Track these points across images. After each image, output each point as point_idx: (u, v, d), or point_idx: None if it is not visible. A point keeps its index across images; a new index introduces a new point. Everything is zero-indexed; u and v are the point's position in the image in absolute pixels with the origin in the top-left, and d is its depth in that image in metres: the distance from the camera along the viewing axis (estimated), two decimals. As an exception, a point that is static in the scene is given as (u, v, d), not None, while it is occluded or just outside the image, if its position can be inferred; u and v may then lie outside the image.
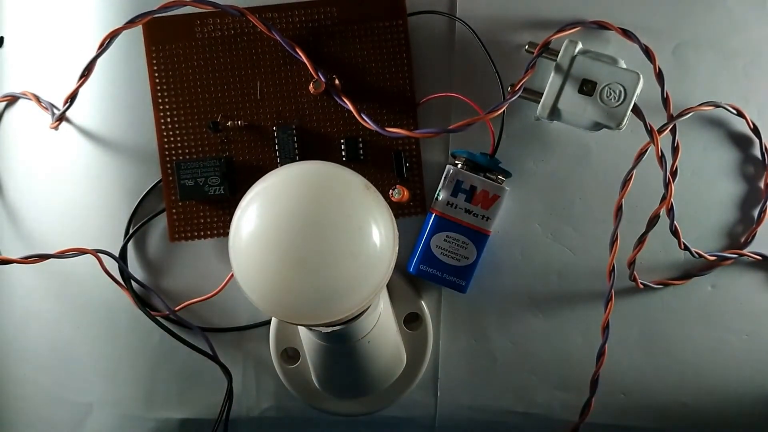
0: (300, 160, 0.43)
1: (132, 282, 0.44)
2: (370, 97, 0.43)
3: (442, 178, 0.41)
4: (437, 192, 0.41)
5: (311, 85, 0.42)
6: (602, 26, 0.41)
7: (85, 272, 0.44)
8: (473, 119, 0.38)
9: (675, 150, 0.40)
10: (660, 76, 0.39)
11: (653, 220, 0.40)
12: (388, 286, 0.40)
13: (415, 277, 0.42)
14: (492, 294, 0.44)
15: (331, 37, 0.43)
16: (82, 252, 0.42)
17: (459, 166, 0.41)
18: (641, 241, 0.40)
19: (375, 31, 0.43)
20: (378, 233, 0.30)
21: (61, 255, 0.41)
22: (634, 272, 0.42)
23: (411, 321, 0.44)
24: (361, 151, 0.43)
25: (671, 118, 0.40)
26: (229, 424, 0.45)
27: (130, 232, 0.44)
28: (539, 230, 0.43)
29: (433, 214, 0.41)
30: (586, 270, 0.43)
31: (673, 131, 0.40)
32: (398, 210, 0.43)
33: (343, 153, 0.43)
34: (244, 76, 0.43)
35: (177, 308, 0.44)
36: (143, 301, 0.44)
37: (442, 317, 0.44)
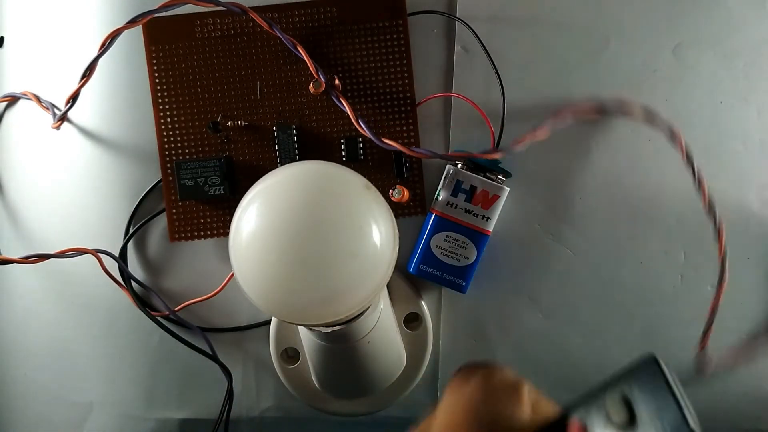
0: (300, 159, 0.43)
1: (132, 282, 0.44)
2: (369, 97, 0.43)
3: (442, 177, 0.41)
4: (437, 192, 0.41)
5: (311, 85, 0.42)
6: (624, 112, 0.39)
7: (85, 272, 0.44)
8: (471, 154, 0.39)
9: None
10: (689, 160, 0.39)
11: (714, 311, 0.40)
12: (388, 286, 0.40)
13: (415, 277, 0.42)
14: (492, 294, 0.44)
15: (331, 36, 0.43)
16: (82, 252, 0.42)
17: (459, 166, 0.41)
18: (705, 334, 0.40)
19: (375, 30, 0.43)
20: (378, 233, 0.30)
21: (62, 255, 0.41)
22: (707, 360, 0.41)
23: (411, 321, 0.44)
24: (361, 151, 0.43)
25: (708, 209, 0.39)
26: (230, 424, 0.45)
27: (130, 232, 0.44)
28: (539, 230, 0.43)
29: (433, 214, 0.41)
30: (586, 270, 0.43)
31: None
32: (398, 210, 0.43)
33: (343, 153, 0.43)
34: (244, 75, 0.43)
35: (177, 308, 0.44)
36: (143, 301, 0.44)
37: (442, 317, 0.44)
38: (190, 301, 0.44)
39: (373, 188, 0.31)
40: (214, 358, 0.44)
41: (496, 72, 0.42)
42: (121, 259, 0.44)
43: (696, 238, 0.42)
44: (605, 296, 0.43)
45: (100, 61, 0.41)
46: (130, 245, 0.44)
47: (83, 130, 0.45)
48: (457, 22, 0.43)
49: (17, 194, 0.45)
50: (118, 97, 0.44)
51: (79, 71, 0.41)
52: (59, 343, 0.46)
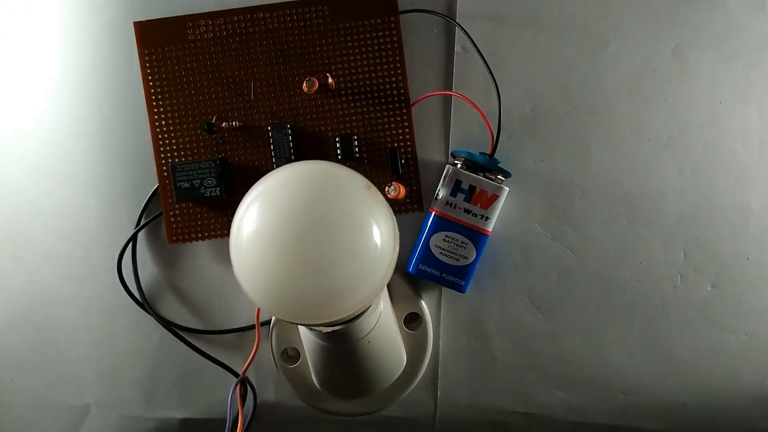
0: (295, 159, 0.43)
1: (134, 283, 0.44)
2: (364, 95, 0.42)
3: (442, 177, 0.41)
4: (436, 191, 0.41)
5: (304, 84, 0.42)
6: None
7: (83, 273, 0.44)
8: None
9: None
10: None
11: None
12: (388, 286, 0.40)
13: (415, 277, 0.42)
14: (492, 294, 0.44)
15: (324, 35, 0.42)
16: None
17: (458, 165, 0.41)
18: None
19: (367, 28, 0.42)
20: (379, 233, 0.30)
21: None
22: None
23: (411, 321, 0.44)
24: (356, 149, 0.43)
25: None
26: (231, 423, 0.44)
27: (131, 235, 0.44)
28: (539, 230, 0.43)
29: (432, 214, 0.41)
30: (586, 270, 0.43)
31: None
32: (395, 207, 0.43)
33: (339, 151, 0.43)
34: (238, 76, 0.43)
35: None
36: (141, 304, 0.44)
37: (442, 317, 0.44)
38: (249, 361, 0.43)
39: (374, 188, 0.31)
40: (222, 363, 0.44)
41: (490, 72, 0.42)
42: (121, 261, 0.44)
43: (696, 238, 0.42)
44: (605, 296, 0.43)
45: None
46: (129, 248, 0.44)
47: (79, 136, 0.44)
48: (452, 21, 0.42)
49: (17, 198, 0.45)
50: (112, 101, 0.44)
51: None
52: (49, 346, 0.46)
